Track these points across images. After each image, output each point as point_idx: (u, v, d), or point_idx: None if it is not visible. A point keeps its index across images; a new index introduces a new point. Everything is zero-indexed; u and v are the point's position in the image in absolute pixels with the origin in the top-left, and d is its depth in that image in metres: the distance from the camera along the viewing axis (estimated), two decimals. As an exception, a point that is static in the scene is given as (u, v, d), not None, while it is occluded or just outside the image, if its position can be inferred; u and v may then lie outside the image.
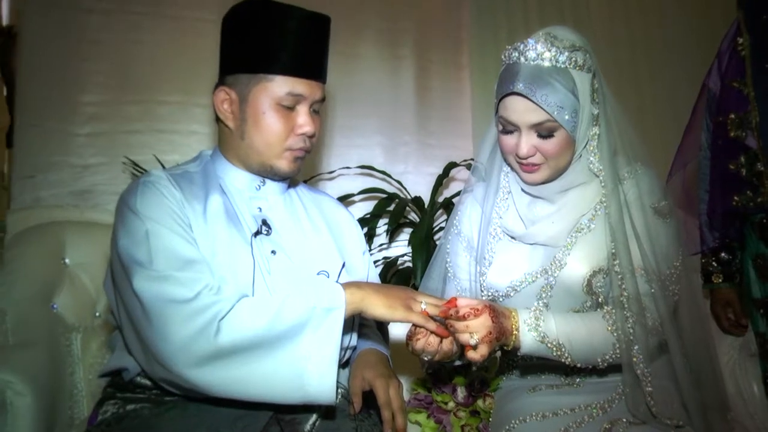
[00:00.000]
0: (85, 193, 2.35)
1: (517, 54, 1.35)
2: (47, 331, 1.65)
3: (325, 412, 1.30)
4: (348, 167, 2.52)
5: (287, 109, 1.36)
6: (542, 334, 1.32)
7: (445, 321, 1.27)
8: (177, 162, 1.58)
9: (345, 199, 2.39)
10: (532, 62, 1.33)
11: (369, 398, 1.35)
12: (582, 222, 1.43)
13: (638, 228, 1.37)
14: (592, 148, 1.41)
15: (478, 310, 1.25)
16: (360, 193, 2.47)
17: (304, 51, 1.36)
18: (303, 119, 1.37)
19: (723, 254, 1.89)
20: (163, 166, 2.22)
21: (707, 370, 1.40)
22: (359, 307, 1.26)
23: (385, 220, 2.36)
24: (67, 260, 1.79)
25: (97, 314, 1.80)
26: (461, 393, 1.60)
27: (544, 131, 1.35)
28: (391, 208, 2.35)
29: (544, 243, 1.43)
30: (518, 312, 1.33)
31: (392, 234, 2.43)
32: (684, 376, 1.33)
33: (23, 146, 2.32)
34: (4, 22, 3.13)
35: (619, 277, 1.35)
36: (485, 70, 2.65)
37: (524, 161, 1.39)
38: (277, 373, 1.17)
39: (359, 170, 2.53)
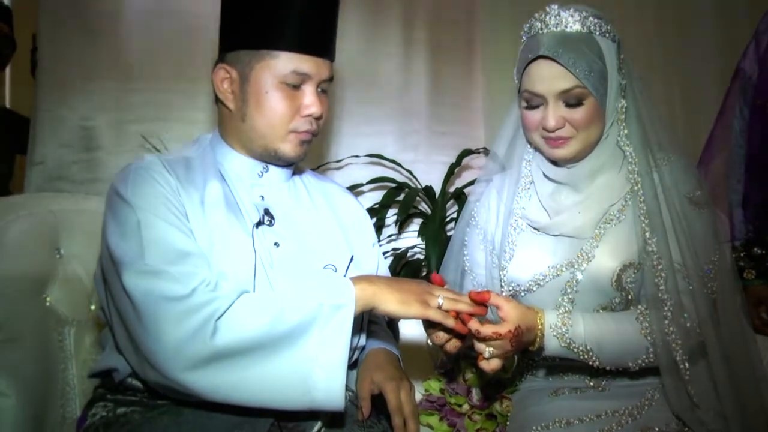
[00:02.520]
0: (89, 182, 2.31)
1: (539, 24, 1.31)
2: (38, 325, 1.57)
3: (331, 418, 1.21)
4: (357, 156, 2.44)
5: (292, 88, 1.27)
6: (568, 341, 1.26)
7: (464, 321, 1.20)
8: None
9: (353, 189, 2.33)
10: (555, 29, 1.29)
11: (379, 402, 1.26)
12: (611, 212, 1.35)
13: (674, 218, 1.29)
14: (620, 121, 1.35)
15: (500, 334, 1.18)
16: (369, 182, 2.40)
17: (310, 26, 1.27)
18: (309, 99, 1.28)
19: (756, 249, 1.80)
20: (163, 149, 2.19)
21: (749, 376, 1.31)
22: (370, 304, 1.17)
23: (394, 211, 2.30)
24: (61, 250, 1.71)
25: (93, 308, 1.72)
26: (476, 395, 1.51)
27: (573, 99, 1.28)
28: (401, 197, 2.28)
29: (569, 234, 1.35)
30: (545, 315, 1.26)
31: (402, 225, 2.37)
32: (723, 383, 1.24)
33: (36, 132, 2.30)
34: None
35: (656, 270, 1.26)
36: (498, 57, 2.58)
37: (552, 135, 1.31)
38: (280, 376, 1.09)
39: (368, 159, 2.45)
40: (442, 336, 1.23)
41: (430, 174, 2.50)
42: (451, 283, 1.50)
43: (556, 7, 1.31)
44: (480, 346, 1.20)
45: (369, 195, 2.45)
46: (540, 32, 1.30)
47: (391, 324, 1.54)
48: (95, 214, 1.79)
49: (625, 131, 1.35)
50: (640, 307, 1.30)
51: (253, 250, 1.23)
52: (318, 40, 1.29)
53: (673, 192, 1.31)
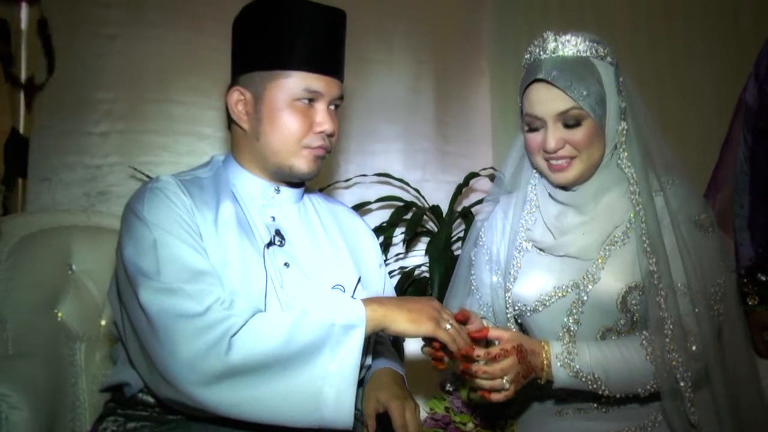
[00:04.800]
0: (99, 194, 2.30)
1: (538, 50, 1.35)
2: (50, 340, 1.58)
3: (337, 436, 1.22)
4: (365, 175, 2.46)
5: (304, 107, 1.30)
6: (576, 370, 1.26)
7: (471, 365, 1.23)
8: (191, 165, 1.55)
9: (361, 207, 2.34)
10: (552, 54, 1.33)
11: (384, 421, 1.27)
12: (616, 234, 1.36)
13: (680, 241, 1.30)
14: (621, 143, 1.37)
15: (506, 350, 1.21)
16: (377, 201, 2.42)
17: (320, 46, 1.31)
18: (321, 117, 1.31)
19: (760, 275, 1.79)
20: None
21: (754, 402, 1.31)
22: (381, 325, 1.19)
23: (402, 229, 2.31)
24: (73, 266, 1.73)
25: (103, 323, 1.74)
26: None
27: (571, 120, 1.31)
28: (408, 216, 2.30)
29: (575, 255, 1.37)
30: (550, 345, 1.28)
31: (409, 243, 2.38)
32: (725, 406, 1.25)
33: (39, 148, 2.28)
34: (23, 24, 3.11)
35: (657, 290, 1.27)
36: (505, 77, 2.60)
37: (553, 156, 1.33)
38: (291, 394, 1.11)
39: (376, 178, 2.48)
40: (429, 351, 1.26)
41: (437, 193, 2.51)
42: (459, 306, 1.51)
43: (552, 33, 1.35)
44: (498, 383, 1.20)
45: (377, 213, 2.47)
46: (539, 57, 1.34)
47: (395, 343, 1.55)
48: (106, 230, 1.81)
49: (626, 153, 1.37)
50: (644, 332, 1.30)
51: (264, 270, 1.26)
52: (327, 61, 1.32)
53: (678, 215, 1.32)
